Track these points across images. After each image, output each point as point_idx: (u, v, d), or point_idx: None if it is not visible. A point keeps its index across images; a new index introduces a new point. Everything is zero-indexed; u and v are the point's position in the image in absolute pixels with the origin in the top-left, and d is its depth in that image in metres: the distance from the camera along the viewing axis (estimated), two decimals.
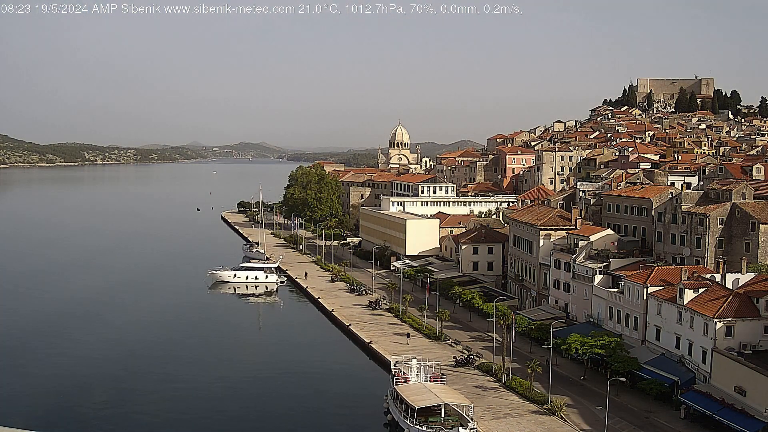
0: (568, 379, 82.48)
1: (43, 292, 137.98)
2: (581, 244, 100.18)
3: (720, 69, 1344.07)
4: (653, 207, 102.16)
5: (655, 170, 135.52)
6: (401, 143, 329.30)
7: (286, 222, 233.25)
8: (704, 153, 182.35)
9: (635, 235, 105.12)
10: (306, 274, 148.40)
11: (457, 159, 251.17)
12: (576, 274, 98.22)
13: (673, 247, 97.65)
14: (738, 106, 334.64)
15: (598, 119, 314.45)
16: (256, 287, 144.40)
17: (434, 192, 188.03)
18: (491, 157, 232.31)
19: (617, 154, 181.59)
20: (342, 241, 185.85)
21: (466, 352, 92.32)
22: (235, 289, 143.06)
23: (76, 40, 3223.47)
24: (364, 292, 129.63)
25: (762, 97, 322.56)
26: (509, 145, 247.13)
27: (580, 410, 72.17)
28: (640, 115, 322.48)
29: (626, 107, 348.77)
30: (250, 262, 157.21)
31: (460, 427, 64.75)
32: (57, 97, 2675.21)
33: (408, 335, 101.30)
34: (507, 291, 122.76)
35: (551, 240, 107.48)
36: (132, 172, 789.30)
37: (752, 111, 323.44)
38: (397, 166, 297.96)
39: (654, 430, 67.88)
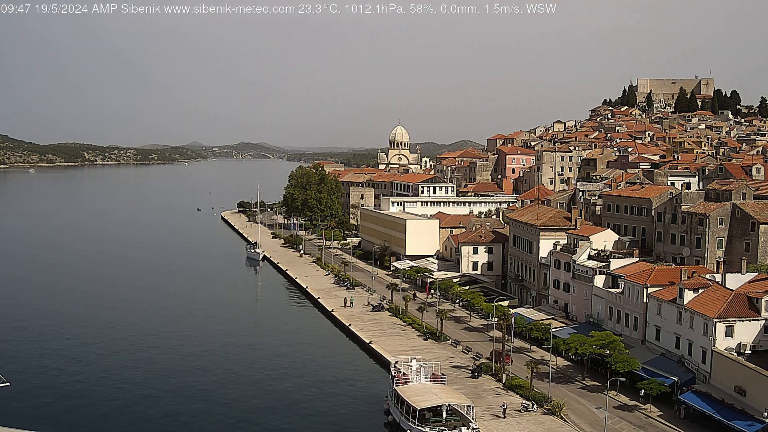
0: (568, 379, 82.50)
1: (37, 296, 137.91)
2: (581, 244, 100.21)
3: (720, 69, 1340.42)
4: (653, 207, 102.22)
5: (655, 170, 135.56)
6: (401, 143, 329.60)
7: (286, 222, 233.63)
8: (704, 153, 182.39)
9: (635, 235, 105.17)
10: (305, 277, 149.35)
11: (457, 159, 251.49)
12: (576, 274, 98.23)
13: (673, 247, 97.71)
14: (738, 106, 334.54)
15: (598, 119, 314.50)
16: None
17: (434, 192, 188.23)
18: (491, 156, 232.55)
19: (617, 154, 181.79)
20: (342, 241, 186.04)
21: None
22: None
23: (76, 40, 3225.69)
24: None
25: (762, 97, 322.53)
26: (509, 145, 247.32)
27: (580, 410, 72.20)
28: (640, 115, 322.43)
29: (626, 107, 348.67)
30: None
31: (462, 427, 64.76)
32: (57, 97, 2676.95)
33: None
34: (507, 291, 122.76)
35: (551, 240, 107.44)
36: (132, 174, 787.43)
37: (752, 111, 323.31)
38: (397, 166, 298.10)
39: (654, 430, 67.92)
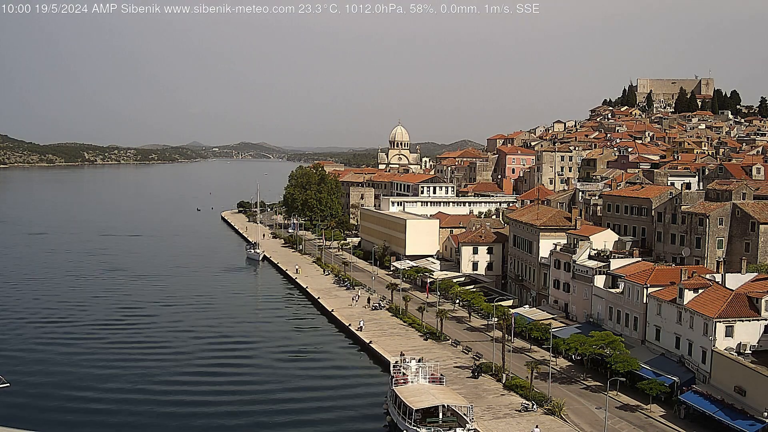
0: (568, 379, 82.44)
1: (35, 296, 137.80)
2: (581, 244, 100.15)
3: (720, 69, 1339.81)
4: (653, 207, 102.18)
5: (655, 170, 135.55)
6: (401, 143, 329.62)
7: (286, 222, 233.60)
8: (704, 153, 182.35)
9: (635, 235, 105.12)
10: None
11: (457, 159, 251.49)
12: (576, 274, 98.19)
13: (673, 247, 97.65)
14: (738, 106, 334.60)
15: (598, 119, 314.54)
16: None
17: (434, 192, 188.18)
18: (491, 156, 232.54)
19: (617, 154, 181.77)
20: (342, 242, 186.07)
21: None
22: None
23: (76, 40, 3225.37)
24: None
25: (762, 97, 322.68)
26: (509, 145, 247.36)
27: (580, 410, 72.14)
28: (640, 115, 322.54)
29: (626, 107, 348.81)
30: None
31: (458, 428, 64.63)
32: (57, 97, 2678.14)
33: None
34: (507, 291, 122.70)
35: (551, 240, 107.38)
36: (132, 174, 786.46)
37: (752, 111, 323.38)
38: (397, 166, 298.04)
39: (654, 430, 67.88)
